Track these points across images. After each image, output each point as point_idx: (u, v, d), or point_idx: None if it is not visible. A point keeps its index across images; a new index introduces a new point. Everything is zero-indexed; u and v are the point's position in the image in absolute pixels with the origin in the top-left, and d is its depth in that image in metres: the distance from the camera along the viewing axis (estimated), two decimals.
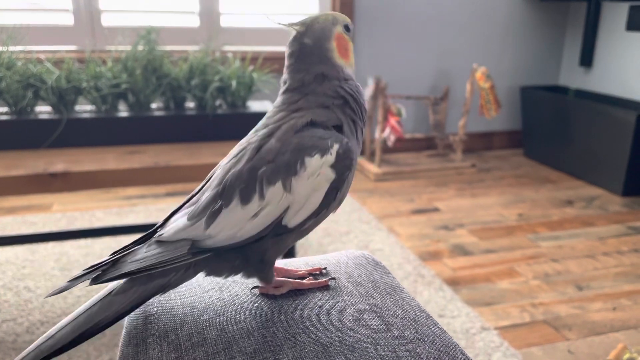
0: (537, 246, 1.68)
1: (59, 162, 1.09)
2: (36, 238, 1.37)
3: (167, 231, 0.45)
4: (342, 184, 0.45)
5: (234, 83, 1.26)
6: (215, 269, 0.47)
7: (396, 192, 2.12)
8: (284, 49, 0.49)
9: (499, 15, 2.56)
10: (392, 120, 2.27)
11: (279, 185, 0.43)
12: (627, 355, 1.07)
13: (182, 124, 1.24)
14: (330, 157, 0.44)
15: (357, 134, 0.48)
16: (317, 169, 0.44)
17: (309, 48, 0.47)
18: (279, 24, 0.48)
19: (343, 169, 0.45)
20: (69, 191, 1.08)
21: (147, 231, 0.48)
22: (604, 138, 2.16)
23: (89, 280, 0.44)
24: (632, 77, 2.33)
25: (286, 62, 0.48)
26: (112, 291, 0.45)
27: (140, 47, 1.24)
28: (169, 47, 1.34)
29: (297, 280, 0.51)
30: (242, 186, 0.44)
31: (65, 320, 0.43)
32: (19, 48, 1.23)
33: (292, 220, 0.44)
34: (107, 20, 2.11)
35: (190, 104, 1.32)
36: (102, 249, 1.58)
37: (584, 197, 2.11)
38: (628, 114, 2.03)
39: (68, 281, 0.44)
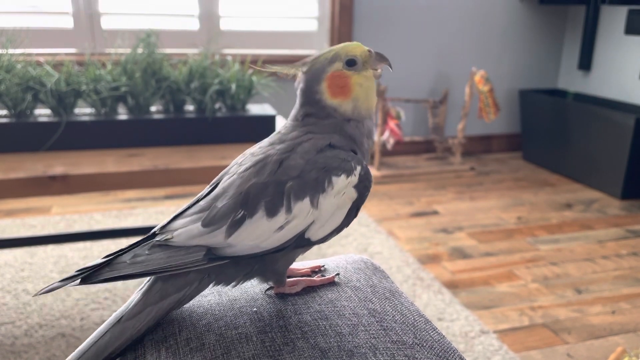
0: (536, 249, 1.68)
1: (58, 164, 1.09)
2: (35, 241, 1.37)
3: (177, 235, 0.45)
4: (362, 203, 0.48)
5: (233, 86, 1.26)
6: (228, 277, 0.47)
7: (395, 195, 2.12)
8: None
9: (498, 19, 2.56)
10: (392, 123, 2.27)
11: (306, 200, 0.45)
12: (626, 359, 1.07)
13: (182, 126, 1.25)
14: (354, 178, 0.47)
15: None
16: (343, 189, 0.46)
17: (301, 91, 0.50)
18: (292, 70, 0.49)
19: (364, 189, 0.47)
20: (68, 194, 1.08)
21: (146, 234, 0.47)
22: (603, 141, 2.16)
23: (84, 281, 0.43)
24: (631, 80, 2.33)
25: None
26: (122, 317, 0.44)
27: (139, 50, 1.24)
28: (168, 50, 1.35)
29: (309, 278, 0.53)
30: (268, 199, 0.45)
31: (74, 355, 0.42)
32: (18, 51, 1.23)
33: (315, 235, 0.47)
34: (107, 23, 2.12)
35: (190, 107, 1.32)
36: (101, 252, 1.58)
37: (583, 200, 2.12)
38: (627, 117, 2.04)
39: (60, 280, 0.43)
